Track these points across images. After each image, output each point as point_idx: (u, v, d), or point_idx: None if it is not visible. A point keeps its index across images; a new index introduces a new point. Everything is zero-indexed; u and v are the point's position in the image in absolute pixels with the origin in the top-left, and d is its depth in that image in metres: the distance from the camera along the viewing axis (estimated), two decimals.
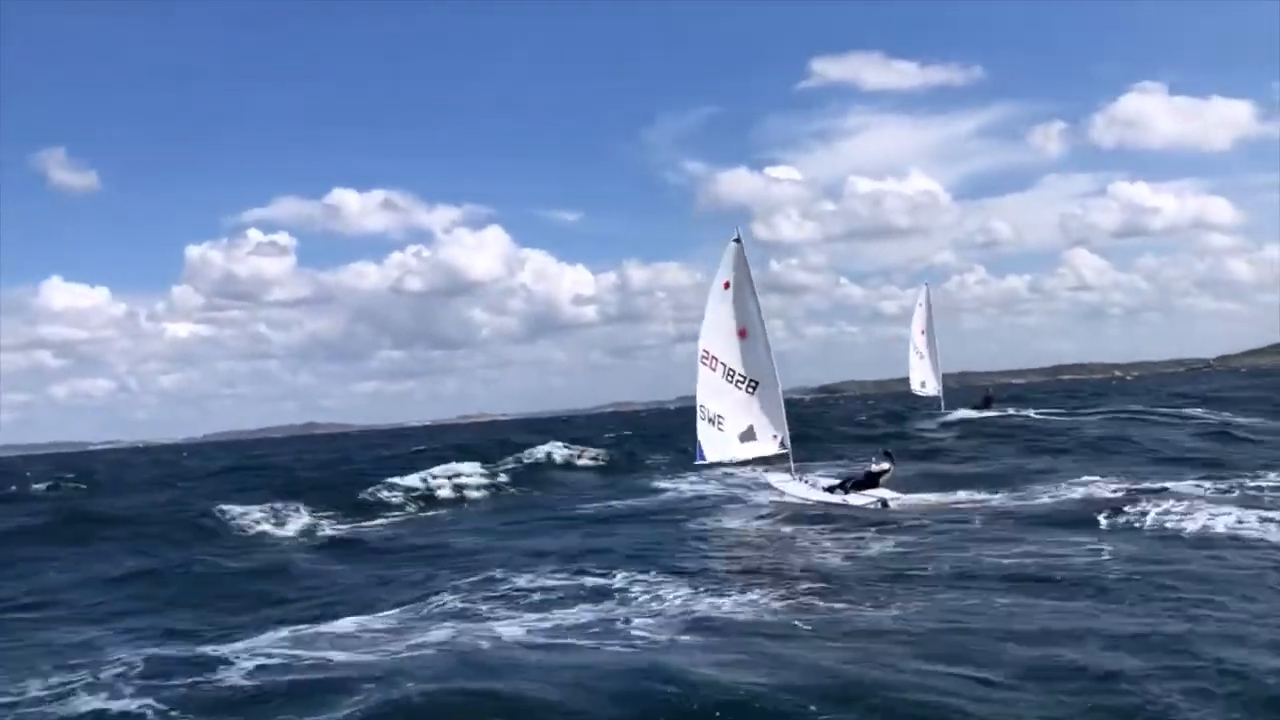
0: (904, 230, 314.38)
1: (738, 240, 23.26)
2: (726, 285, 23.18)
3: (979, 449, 34.63)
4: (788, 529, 18.90)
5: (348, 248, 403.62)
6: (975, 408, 47.90)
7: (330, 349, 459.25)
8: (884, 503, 21.31)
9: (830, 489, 22.73)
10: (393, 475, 33.94)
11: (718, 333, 23.30)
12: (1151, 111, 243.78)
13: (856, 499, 21.66)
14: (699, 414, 23.53)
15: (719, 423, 23.47)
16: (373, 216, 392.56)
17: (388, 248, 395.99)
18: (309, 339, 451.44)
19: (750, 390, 23.45)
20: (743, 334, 23.28)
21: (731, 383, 23.43)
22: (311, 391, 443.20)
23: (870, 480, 22.35)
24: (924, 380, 41.65)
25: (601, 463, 40.34)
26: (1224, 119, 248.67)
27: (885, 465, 22.70)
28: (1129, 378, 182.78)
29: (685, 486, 28.00)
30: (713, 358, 23.34)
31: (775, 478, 23.75)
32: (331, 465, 47.71)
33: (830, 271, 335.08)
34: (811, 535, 17.83)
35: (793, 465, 23.69)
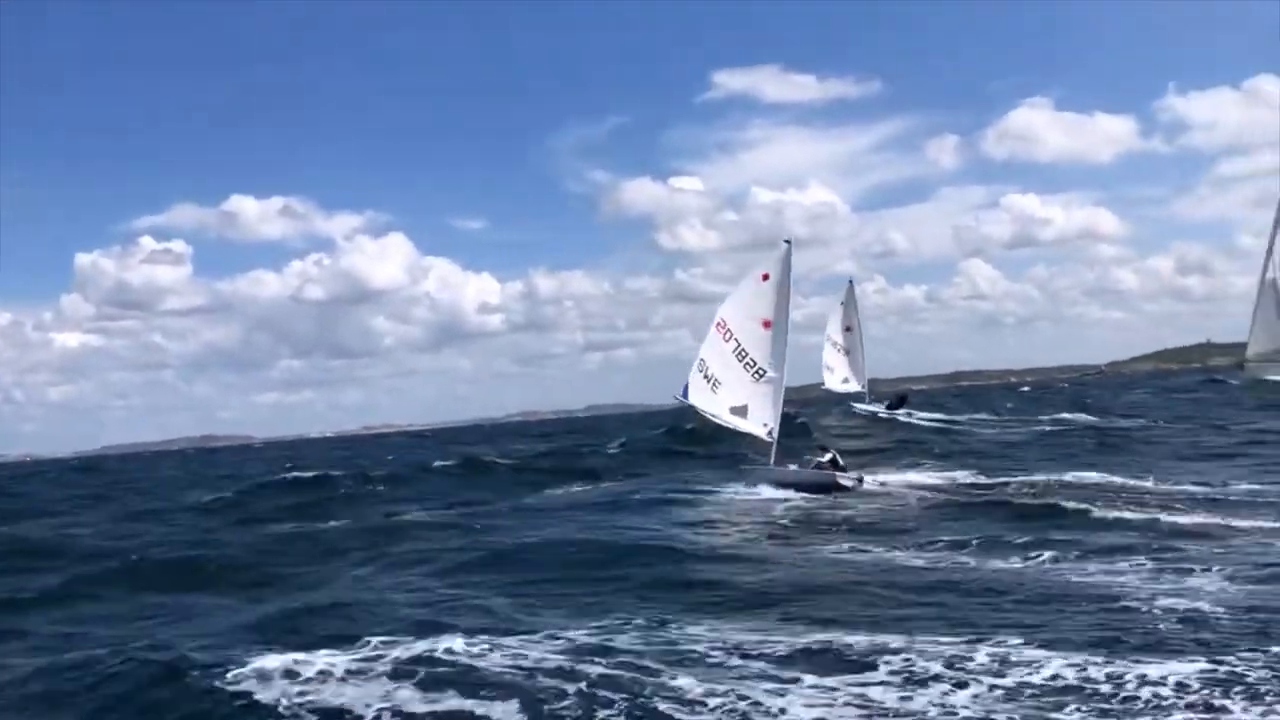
0: (805, 240, 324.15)
1: (788, 242, 25.92)
2: (765, 277, 25.67)
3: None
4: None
5: (246, 256, 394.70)
6: (889, 407, 47.62)
7: (228, 359, 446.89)
8: (860, 480, 24.60)
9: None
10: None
11: (740, 312, 25.78)
12: (1040, 126, 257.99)
13: (843, 478, 24.45)
14: (697, 366, 25.84)
15: (714, 384, 25.82)
16: (271, 224, 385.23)
17: (287, 255, 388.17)
18: (206, 349, 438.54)
19: (757, 377, 25.86)
20: (767, 325, 25.69)
21: (741, 362, 25.82)
22: (209, 403, 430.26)
23: (833, 467, 25.03)
24: (846, 377, 40.57)
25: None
26: (1108, 134, 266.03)
27: (831, 455, 25.49)
28: (1026, 382, 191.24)
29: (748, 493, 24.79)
30: (728, 329, 25.68)
31: (762, 469, 25.85)
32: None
33: (734, 280, 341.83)
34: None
35: (774, 455, 25.83)
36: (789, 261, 25.93)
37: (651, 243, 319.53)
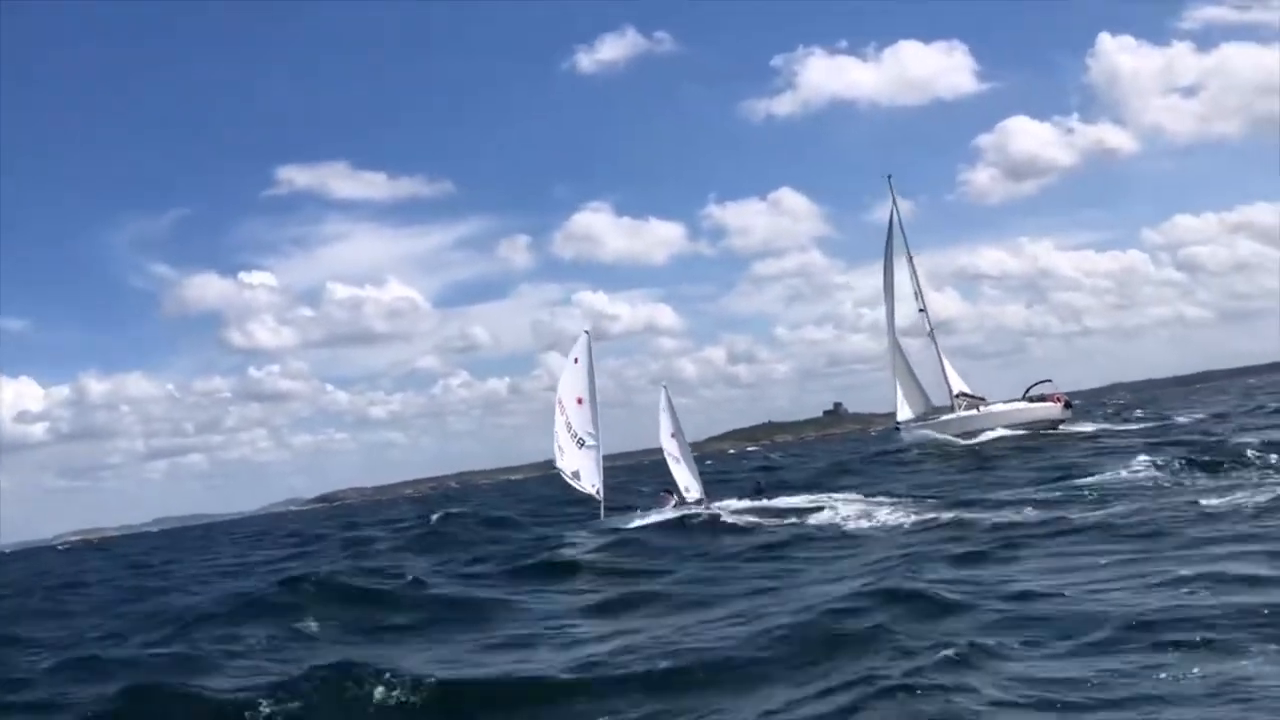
0: (386, 336, 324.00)
1: (588, 332, 30.85)
2: (576, 361, 30.21)
3: None
4: None
5: None
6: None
7: None
8: (708, 509, 29.19)
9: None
10: None
11: (565, 391, 30.38)
12: (601, 229, 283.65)
13: (694, 510, 29.03)
14: (555, 437, 30.18)
15: (561, 452, 30.24)
16: None
17: None
18: None
19: (579, 445, 30.37)
20: (579, 401, 30.21)
21: (569, 433, 30.26)
22: None
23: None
24: (687, 486, 34.62)
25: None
26: (662, 238, 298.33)
27: (676, 497, 30.47)
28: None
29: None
30: (561, 405, 30.16)
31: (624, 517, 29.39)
32: None
33: (314, 378, 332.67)
34: None
35: (603, 510, 29.92)
36: (589, 347, 30.77)
37: (221, 340, 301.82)
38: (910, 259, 59.15)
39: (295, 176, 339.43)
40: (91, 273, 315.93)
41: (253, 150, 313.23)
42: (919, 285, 59.13)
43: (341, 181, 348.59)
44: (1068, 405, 55.60)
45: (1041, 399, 55.90)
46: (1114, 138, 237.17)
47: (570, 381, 30.27)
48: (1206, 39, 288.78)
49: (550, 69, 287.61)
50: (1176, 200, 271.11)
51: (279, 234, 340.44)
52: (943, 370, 58.22)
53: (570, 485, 30.63)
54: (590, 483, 30.41)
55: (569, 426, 30.12)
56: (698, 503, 30.18)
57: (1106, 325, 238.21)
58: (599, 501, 30.24)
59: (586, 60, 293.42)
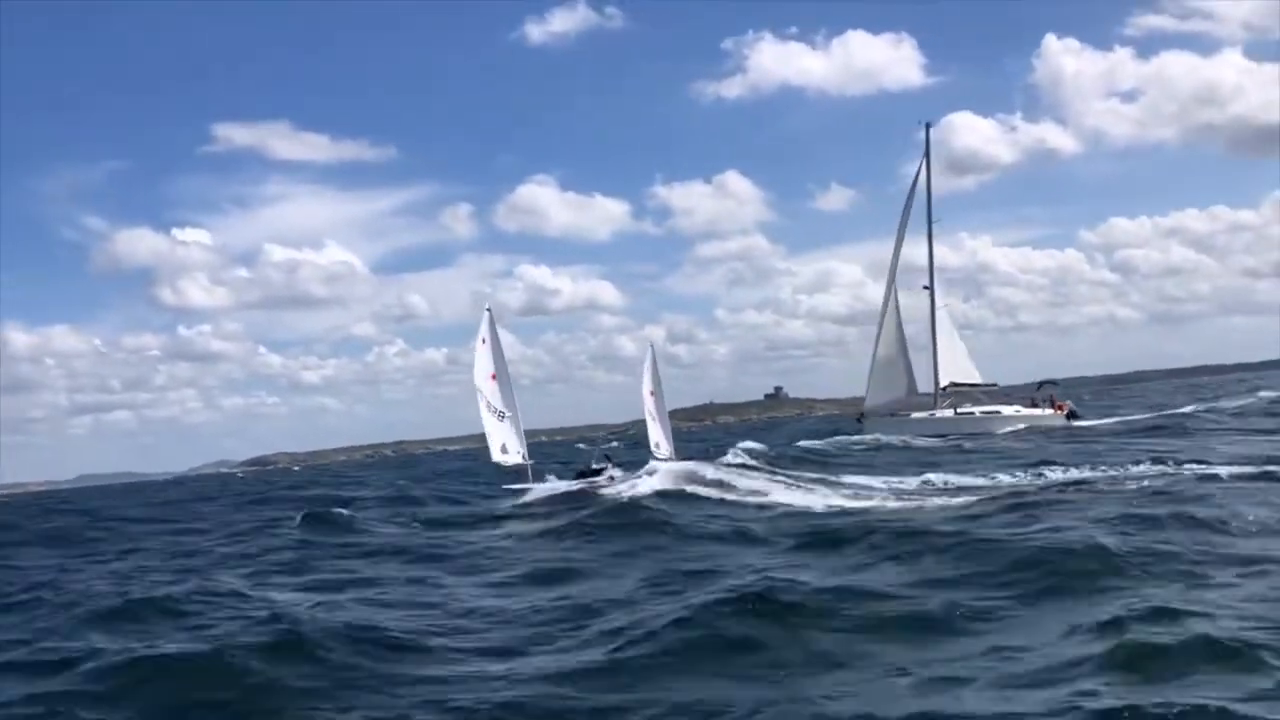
0: (323, 300, 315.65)
1: (489, 309, 32.09)
2: (484, 341, 31.79)
3: None
4: None
5: None
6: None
7: None
8: (612, 478, 30.34)
9: (581, 475, 31.65)
10: None
11: (480, 375, 31.94)
12: (546, 203, 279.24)
13: (605, 479, 30.43)
14: (486, 431, 31.94)
15: (491, 439, 32.14)
16: None
17: None
18: None
19: (500, 419, 32.28)
20: (494, 377, 31.99)
21: (491, 413, 32.10)
22: None
23: (596, 471, 31.43)
24: (658, 442, 35.74)
25: None
26: (606, 215, 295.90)
27: (604, 465, 32.07)
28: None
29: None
30: (481, 392, 31.80)
31: (541, 484, 31.23)
32: None
33: (248, 340, 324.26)
34: None
35: (531, 473, 32.18)
36: (493, 323, 32.39)
37: (152, 297, 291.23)
38: (930, 224, 53.67)
39: (234, 134, 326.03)
40: (20, 221, 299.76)
41: (190, 105, 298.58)
42: (933, 259, 53.41)
43: (282, 142, 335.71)
44: (1071, 415, 49.53)
45: (1047, 403, 50.54)
46: (1055, 138, 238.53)
47: (482, 361, 31.94)
48: (1148, 46, 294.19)
49: (499, 38, 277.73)
50: (1113, 203, 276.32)
51: (216, 192, 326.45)
52: (934, 356, 52.50)
53: (504, 467, 32.56)
54: (517, 451, 32.47)
55: (490, 407, 32.00)
56: (666, 459, 32.68)
57: (1041, 321, 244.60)
58: (527, 468, 32.41)
59: (536, 31, 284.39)
